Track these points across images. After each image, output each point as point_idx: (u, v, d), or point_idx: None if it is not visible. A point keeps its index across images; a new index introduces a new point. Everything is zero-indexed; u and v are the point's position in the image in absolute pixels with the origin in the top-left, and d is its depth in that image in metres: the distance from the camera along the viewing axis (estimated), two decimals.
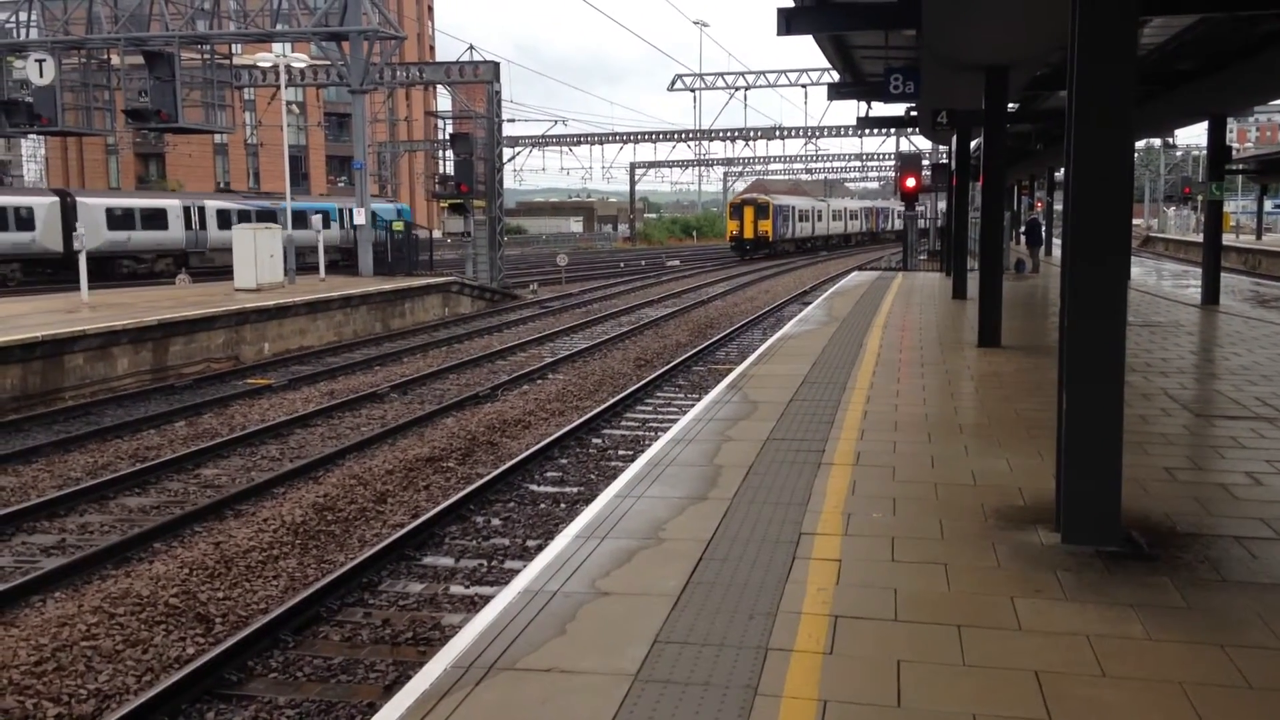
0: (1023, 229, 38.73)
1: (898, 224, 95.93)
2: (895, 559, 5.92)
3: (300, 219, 40.86)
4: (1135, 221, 75.85)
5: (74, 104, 33.71)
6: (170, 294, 26.43)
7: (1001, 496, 7.11)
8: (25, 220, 36.81)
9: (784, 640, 4.83)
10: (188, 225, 41.83)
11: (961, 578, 5.61)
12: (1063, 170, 6.35)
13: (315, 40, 32.80)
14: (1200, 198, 44.01)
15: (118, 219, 39.03)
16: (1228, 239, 46.71)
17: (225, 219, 42.09)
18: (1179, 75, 18.40)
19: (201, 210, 42.47)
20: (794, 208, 72.70)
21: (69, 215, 37.23)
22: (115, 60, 34.19)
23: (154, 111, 30.41)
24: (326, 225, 40.31)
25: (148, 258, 40.14)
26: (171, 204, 42.10)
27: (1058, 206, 40.15)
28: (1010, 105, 20.83)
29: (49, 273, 36.68)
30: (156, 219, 40.59)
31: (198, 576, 8.58)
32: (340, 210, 45.85)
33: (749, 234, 66.60)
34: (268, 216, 40.58)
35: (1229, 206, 58.92)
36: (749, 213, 66.75)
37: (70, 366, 17.57)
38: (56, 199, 38.02)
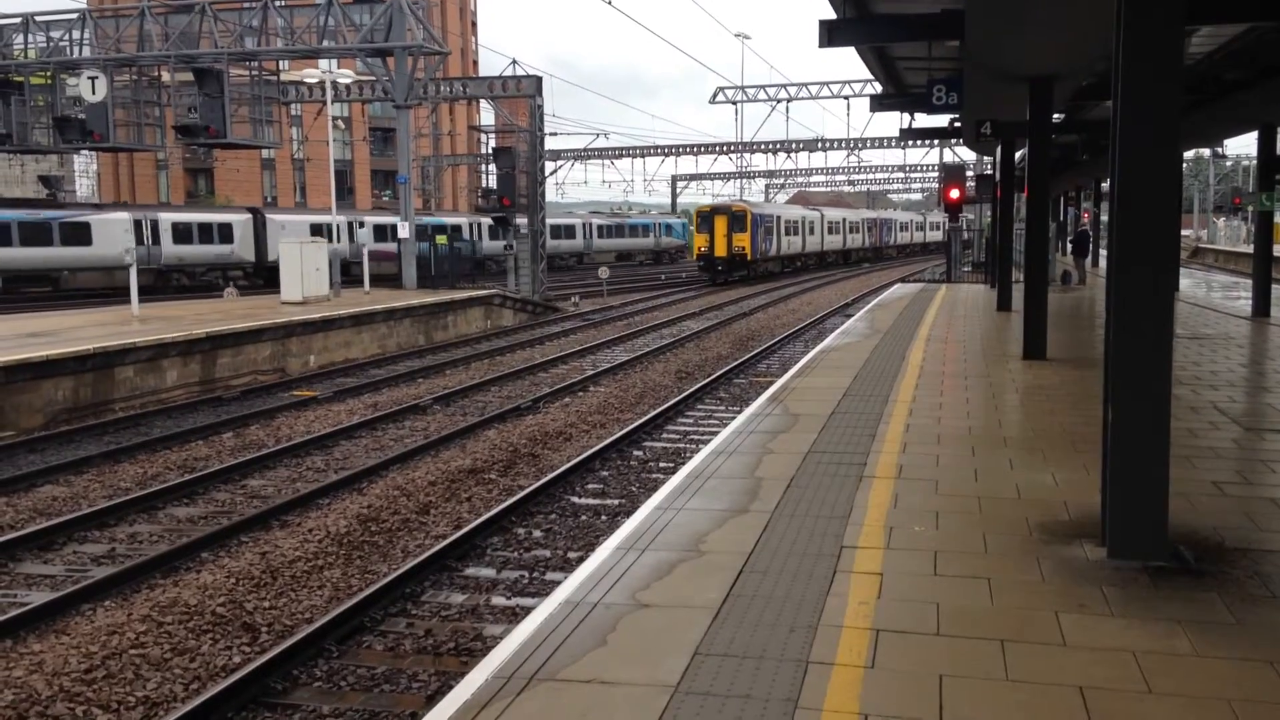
0: (1070, 240, 38.29)
1: (901, 237, 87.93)
2: (938, 573, 5.88)
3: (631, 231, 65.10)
4: (1184, 232, 74.75)
5: (125, 120, 34.39)
6: (218, 307, 26.81)
7: (1046, 510, 7.05)
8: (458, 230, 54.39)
9: (825, 654, 4.82)
10: (492, 236, 54.87)
11: (1005, 592, 5.57)
12: (1108, 181, 6.30)
13: (361, 56, 33.20)
14: (1250, 208, 43.31)
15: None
16: (1279, 250, 45.94)
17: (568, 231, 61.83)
18: (1227, 84, 18.14)
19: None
20: (779, 218, 59.27)
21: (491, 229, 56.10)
22: (166, 77, 34.83)
23: (203, 127, 30.94)
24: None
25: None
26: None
27: (1104, 217, 39.71)
28: (1055, 115, 20.64)
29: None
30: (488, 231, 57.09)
31: (244, 586, 8.69)
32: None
33: (721, 250, 52.71)
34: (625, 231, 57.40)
35: None
36: (721, 224, 52.92)
37: (121, 378, 17.87)
38: (477, 217, 55.56)
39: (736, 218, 53.08)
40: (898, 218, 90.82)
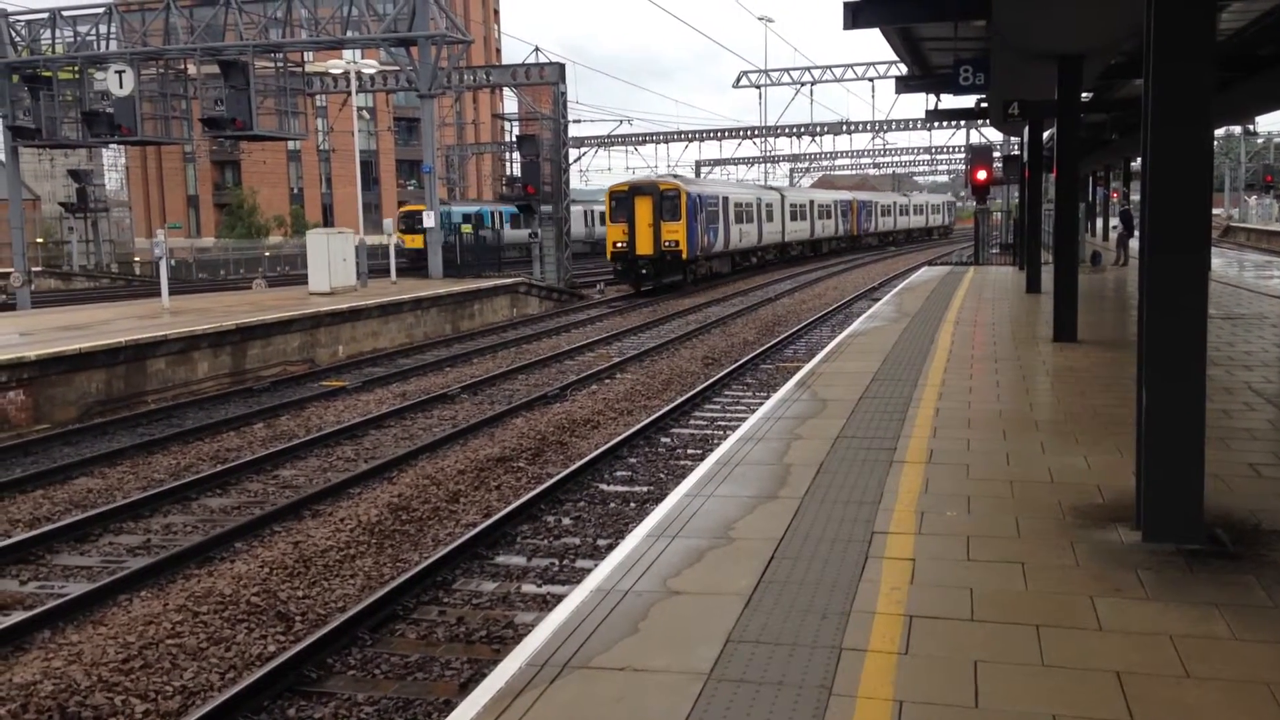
0: (1116, 219, 37.30)
1: (883, 222, 76.51)
2: (970, 558, 5.85)
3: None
4: (1215, 211, 73.75)
5: (152, 114, 34.61)
6: (247, 298, 26.99)
7: (1080, 494, 6.99)
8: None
9: (858, 640, 4.80)
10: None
11: (1039, 577, 5.53)
12: (1139, 161, 6.22)
13: (384, 46, 33.25)
14: None
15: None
16: None
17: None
18: (1259, 61, 17.88)
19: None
20: (726, 200, 42.82)
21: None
22: (191, 70, 35.01)
23: (230, 120, 31.09)
24: None
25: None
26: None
27: (1134, 197, 39.24)
28: (1084, 94, 20.41)
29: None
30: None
31: (278, 575, 8.76)
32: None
33: (645, 246, 37.00)
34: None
35: None
36: (644, 209, 37.15)
37: (153, 370, 18.03)
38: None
39: (666, 199, 37.22)
40: (879, 200, 78.77)
